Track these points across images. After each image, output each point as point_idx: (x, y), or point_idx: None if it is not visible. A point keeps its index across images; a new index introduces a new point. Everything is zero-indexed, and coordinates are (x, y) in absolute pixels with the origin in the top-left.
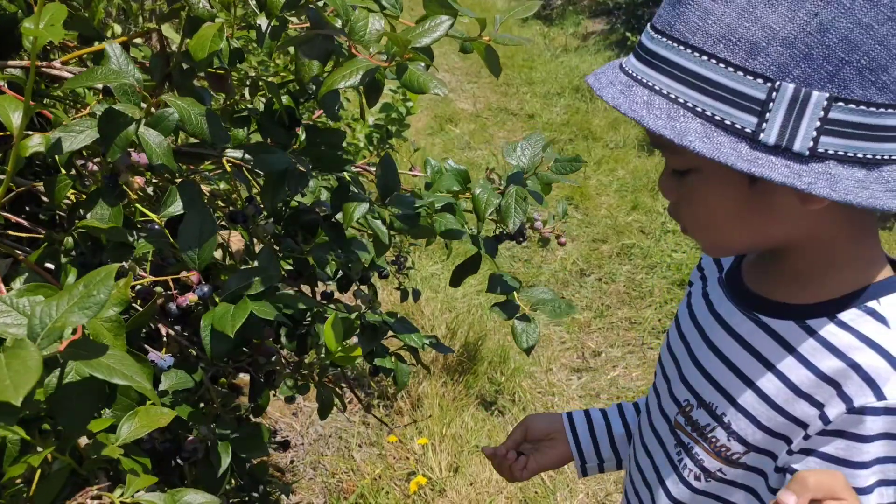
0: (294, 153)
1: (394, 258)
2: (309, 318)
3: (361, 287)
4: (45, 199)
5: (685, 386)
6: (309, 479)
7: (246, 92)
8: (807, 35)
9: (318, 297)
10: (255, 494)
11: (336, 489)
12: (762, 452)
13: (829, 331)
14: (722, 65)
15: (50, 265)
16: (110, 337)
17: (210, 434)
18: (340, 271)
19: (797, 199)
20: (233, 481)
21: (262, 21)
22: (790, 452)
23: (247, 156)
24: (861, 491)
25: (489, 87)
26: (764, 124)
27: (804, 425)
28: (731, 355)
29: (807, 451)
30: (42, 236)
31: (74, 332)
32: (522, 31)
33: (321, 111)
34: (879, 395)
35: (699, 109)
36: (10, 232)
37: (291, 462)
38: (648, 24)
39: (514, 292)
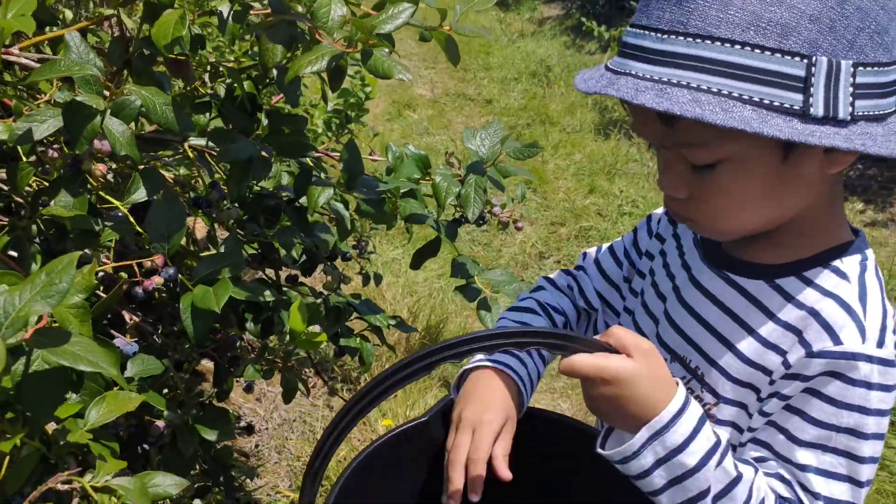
0: (257, 139)
1: (355, 243)
2: (273, 303)
3: (328, 265)
4: (3, 187)
5: (659, 342)
6: (274, 462)
7: (206, 77)
8: (829, 9)
9: (283, 281)
10: (221, 478)
11: (301, 472)
12: (732, 404)
13: (795, 287)
14: (757, 50)
15: (13, 252)
16: (76, 323)
17: (176, 418)
18: (304, 255)
19: (818, 166)
20: (197, 467)
21: (224, 7)
22: (760, 399)
23: (210, 143)
24: (800, 443)
25: (447, 73)
26: (810, 99)
27: (769, 372)
28: (704, 313)
29: (773, 394)
30: (5, 223)
31: (40, 319)
32: (479, 16)
33: (279, 96)
34: (836, 340)
35: (746, 97)
36: None
37: (256, 447)
38: (639, 27)
39: (475, 276)
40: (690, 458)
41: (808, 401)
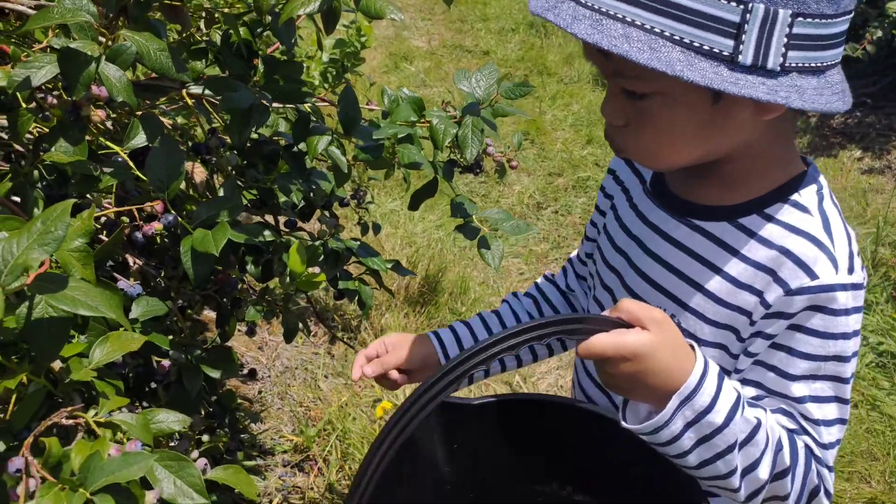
0: (255, 86)
1: (352, 192)
2: (272, 247)
3: (325, 213)
4: (3, 136)
5: (629, 293)
6: (277, 408)
7: (202, 24)
8: None
9: (282, 226)
10: (226, 420)
11: (304, 417)
12: (713, 346)
13: (759, 225)
14: None
15: (16, 198)
16: (79, 266)
17: (181, 358)
18: (302, 201)
19: (752, 112)
20: (202, 411)
21: None
22: (741, 339)
23: (207, 91)
24: (792, 377)
25: (443, 24)
26: (740, 46)
27: (747, 313)
28: (672, 260)
29: (756, 334)
30: (7, 170)
31: (42, 265)
32: None
33: (276, 46)
34: (812, 275)
35: (677, 38)
36: None
37: (259, 393)
38: None
39: (473, 215)
40: (718, 416)
41: (793, 337)
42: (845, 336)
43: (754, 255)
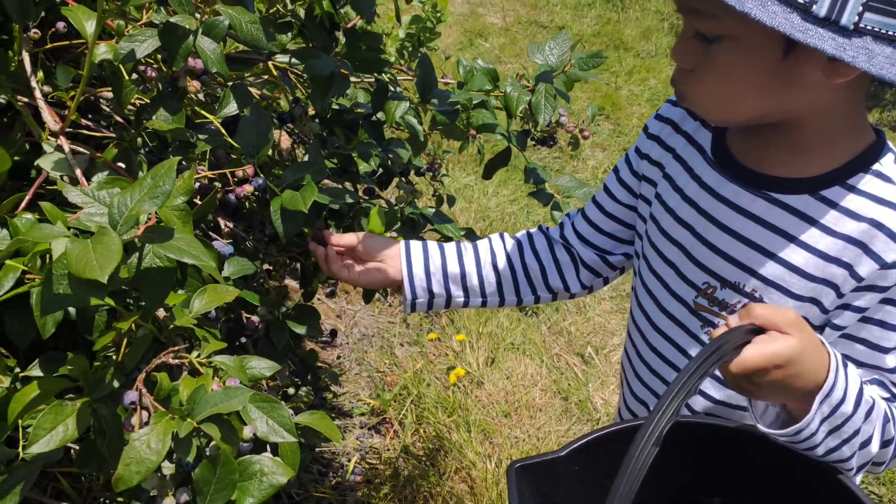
0: (337, 56)
1: (428, 165)
2: (352, 212)
3: (402, 180)
4: (104, 107)
5: (701, 269)
6: (355, 373)
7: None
8: None
9: (362, 193)
10: (308, 377)
11: (381, 382)
12: None
13: (842, 196)
14: None
15: (121, 164)
16: (179, 224)
17: (269, 314)
18: (380, 169)
19: (822, 73)
20: (287, 371)
21: None
22: (825, 311)
23: (293, 61)
24: (885, 350)
25: (518, 1)
26: None
27: (834, 286)
28: (750, 234)
29: (843, 307)
30: (112, 137)
31: (148, 220)
32: None
33: (356, 20)
34: None
35: None
36: (85, 132)
37: (338, 358)
38: None
39: (545, 183)
40: (848, 405)
41: (884, 309)
42: None
43: (842, 228)
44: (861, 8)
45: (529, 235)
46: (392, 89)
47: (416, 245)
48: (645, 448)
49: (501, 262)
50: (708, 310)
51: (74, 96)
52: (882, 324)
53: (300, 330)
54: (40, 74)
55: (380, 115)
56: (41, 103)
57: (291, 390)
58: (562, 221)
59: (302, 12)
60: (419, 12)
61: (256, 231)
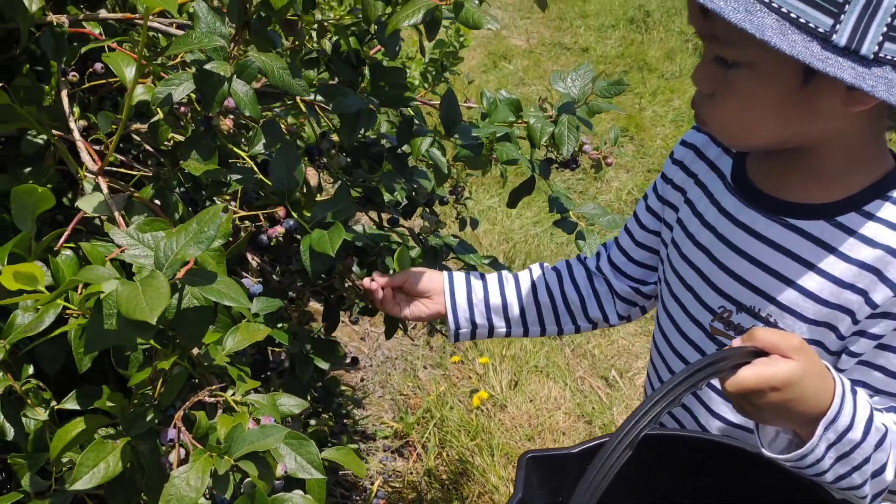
0: (363, 92)
1: (451, 188)
2: (377, 249)
3: (426, 210)
4: (140, 141)
5: (717, 293)
6: (378, 396)
7: (314, 34)
8: None
9: (386, 223)
10: (332, 404)
11: (404, 404)
12: (810, 343)
13: (859, 223)
14: None
15: (157, 201)
16: (214, 264)
17: (293, 349)
18: (405, 199)
19: (840, 101)
20: (308, 398)
21: None
22: (841, 337)
23: (319, 97)
24: None
25: (542, 23)
26: (838, 25)
27: (850, 312)
28: (766, 259)
29: (859, 333)
30: (149, 174)
31: (187, 262)
32: None
33: (378, 48)
34: None
35: (775, 6)
36: (122, 170)
37: (361, 381)
38: None
39: (570, 211)
40: (856, 433)
41: None
42: None
43: (857, 254)
44: (881, 38)
45: (569, 266)
46: (416, 123)
47: (459, 277)
48: (616, 450)
49: (542, 294)
50: (724, 334)
51: (112, 137)
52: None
53: (324, 365)
54: (77, 110)
55: (405, 147)
56: (80, 143)
57: (313, 421)
58: (598, 251)
59: (328, 47)
60: (443, 36)
61: (282, 264)
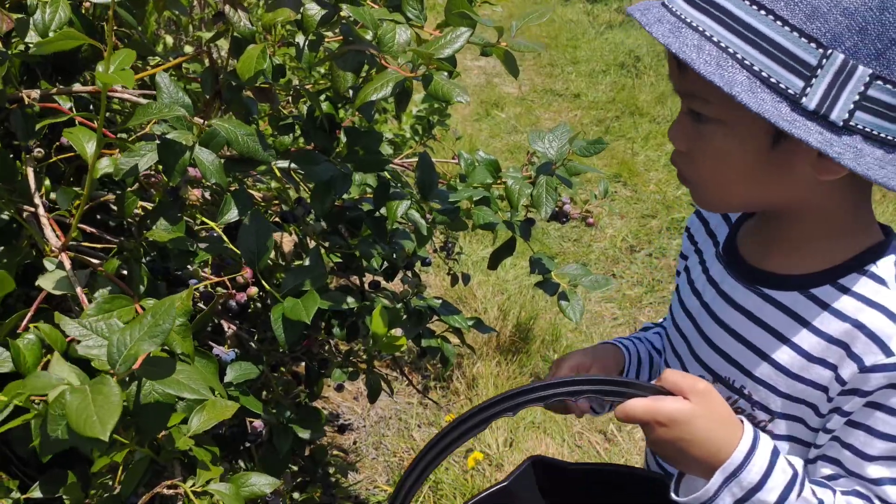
0: (337, 157)
1: (442, 244)
2: (357, 309)
3: (407, 273)
4: (114, 207)
5: (698, 363)
6: (372, 458)
7: (290, 99)
8: (867, 10)
9: (367, 286)
10: (319, 473)
11: (398, 467)
12: (788, 418)
13: (833, 296)
14: (779, 22)
15: (123, 270)
16: (179, 340)
17: (272, 419)
18: (384, 263)
19: (811, 168)
20: (295, 467)
21: (301, 38)
22: (820, 415)
23: (293, 164)
24: (869, 458)
25: (534, 70)
26: (808, 89)
27: (823, 388)
28: (743, 331)
29: (834, 410)
30: (115, 245)
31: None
32: (566, 9)
33: (353, 116)
34: (888, 351)
35: (747, 63)
36: (85, 244)
37: (355, 443)
38: None
39: (552, 271)
40: (770, 494)
41: (871, 415)
42: None
43: (827, 327)
44: (853, 106)
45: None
46: (394, 185)
47: (630, 345)
48: (449, 435)
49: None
50: None
51: (75, 214)
52: (868, 429)
53: (304, 434)
54: (46, 185)
55: (383, 210)
56: (44, 219)
57: (297, 495)
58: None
59: (304, 111)
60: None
61: (261, 331)
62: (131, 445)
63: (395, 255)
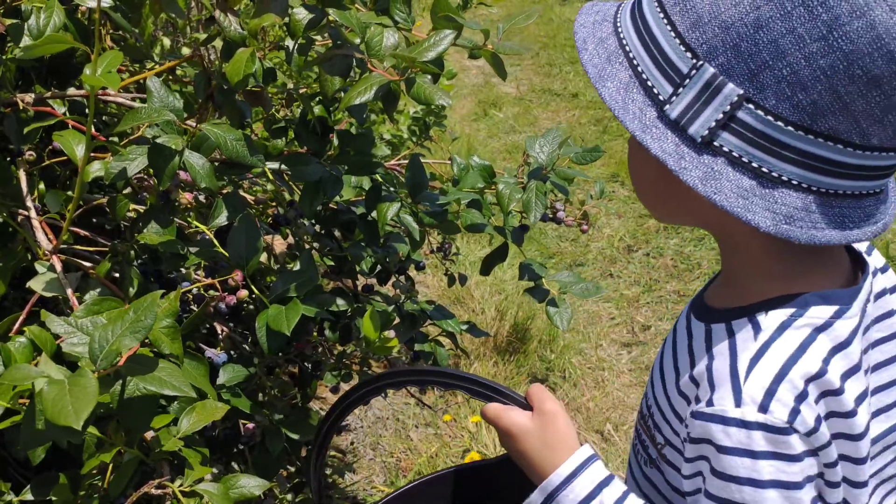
0: (328, 160)
1: (439, 245)
2: (350, 312)
3: (399, 278)
4: (108, 209)
5: (654, 401)
6: (369, 459)
7: (284, 102)
8: (742, 25)
9: (360, 289)
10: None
11: (395, 467)
12: (670, 446)
13: (719, 336)
14: (668, 26)
15: (115, 273)
16: (168, 342)
17: (265, 420)
18: (377, 266)
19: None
20: (290, 468)
21: (290, 42)
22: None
23: (283, 166)
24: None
25: (532, 69)
26: (674, 98)
27: (682, 420)
28: (663, 355)
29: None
30: (106, 249)
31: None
32: (565, 9)
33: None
34: (709, 401)
35: (635, 62)
36: (78, 247)
37: (352, 444)
38: None
39: (543, 278)
40: None
41: (702, 467)
42: (755, 483)
43: (698, 362)
44: (714, 124)
45: None
46: (386, 188)
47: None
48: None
49: None
50: (645, 429)
51: (67, 216)
52: (703, 479)
53: (296, 436)
54: (40, 188)
55: (374, 214)
56: (35, 222)
57: (290, 496)
58: None
59: (298, 114)
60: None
61: (253, 334)
62: (120, 445)
63: (387, 259)
